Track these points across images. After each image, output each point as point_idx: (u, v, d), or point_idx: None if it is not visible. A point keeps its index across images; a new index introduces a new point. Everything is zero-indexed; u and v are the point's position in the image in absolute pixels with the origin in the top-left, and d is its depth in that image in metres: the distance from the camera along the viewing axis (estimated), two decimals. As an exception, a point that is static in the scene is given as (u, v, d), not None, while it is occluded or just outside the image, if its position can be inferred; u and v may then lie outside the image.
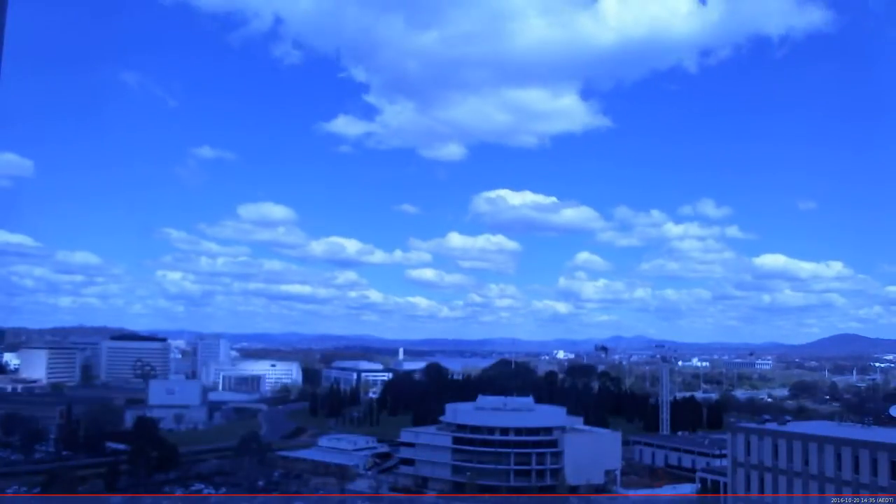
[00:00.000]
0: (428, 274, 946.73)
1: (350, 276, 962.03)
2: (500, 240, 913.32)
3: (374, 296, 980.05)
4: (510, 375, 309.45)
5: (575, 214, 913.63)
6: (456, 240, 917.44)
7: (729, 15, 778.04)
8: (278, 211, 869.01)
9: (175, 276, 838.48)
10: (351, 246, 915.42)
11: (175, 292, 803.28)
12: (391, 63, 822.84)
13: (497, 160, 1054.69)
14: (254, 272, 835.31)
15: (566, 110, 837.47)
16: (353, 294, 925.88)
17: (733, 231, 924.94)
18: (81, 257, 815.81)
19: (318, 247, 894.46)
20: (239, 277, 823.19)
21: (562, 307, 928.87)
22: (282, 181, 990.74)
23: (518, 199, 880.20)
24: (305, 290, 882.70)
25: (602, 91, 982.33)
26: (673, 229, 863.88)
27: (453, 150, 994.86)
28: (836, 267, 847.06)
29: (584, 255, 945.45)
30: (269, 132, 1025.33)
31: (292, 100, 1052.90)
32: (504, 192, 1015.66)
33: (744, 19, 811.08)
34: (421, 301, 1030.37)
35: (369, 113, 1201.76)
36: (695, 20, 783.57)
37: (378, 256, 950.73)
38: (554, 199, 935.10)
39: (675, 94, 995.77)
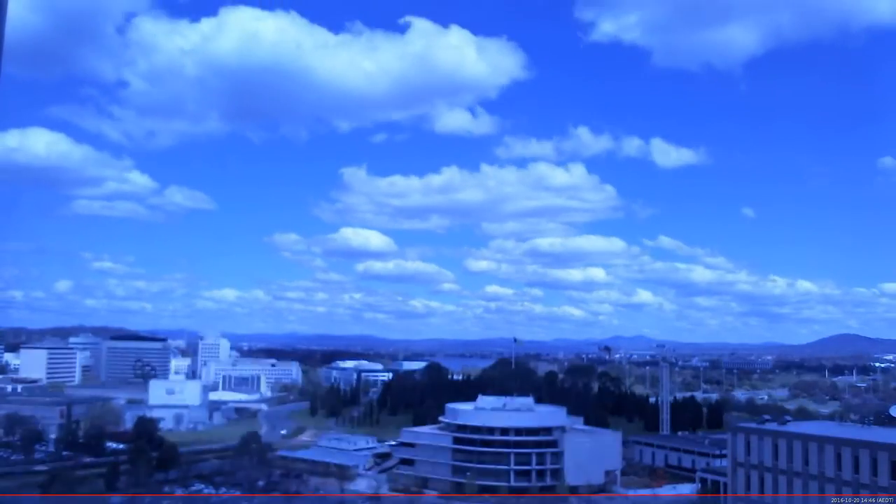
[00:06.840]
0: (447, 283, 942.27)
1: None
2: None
3: (377, 296, 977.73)
4: (510, 375, 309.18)
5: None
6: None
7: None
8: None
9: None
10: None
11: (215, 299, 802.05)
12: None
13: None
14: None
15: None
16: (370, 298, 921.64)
17: (733, 233, 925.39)
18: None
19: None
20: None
21: (562, 307, 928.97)
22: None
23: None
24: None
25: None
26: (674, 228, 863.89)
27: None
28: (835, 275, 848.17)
29: (583, 255, 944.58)
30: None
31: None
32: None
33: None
34: (421, 301, 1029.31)
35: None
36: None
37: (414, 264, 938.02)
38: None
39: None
